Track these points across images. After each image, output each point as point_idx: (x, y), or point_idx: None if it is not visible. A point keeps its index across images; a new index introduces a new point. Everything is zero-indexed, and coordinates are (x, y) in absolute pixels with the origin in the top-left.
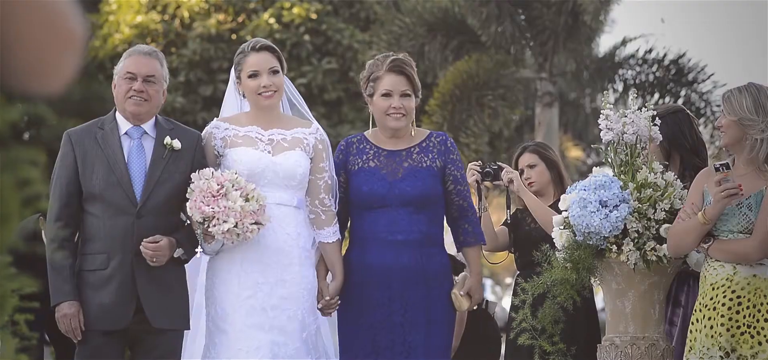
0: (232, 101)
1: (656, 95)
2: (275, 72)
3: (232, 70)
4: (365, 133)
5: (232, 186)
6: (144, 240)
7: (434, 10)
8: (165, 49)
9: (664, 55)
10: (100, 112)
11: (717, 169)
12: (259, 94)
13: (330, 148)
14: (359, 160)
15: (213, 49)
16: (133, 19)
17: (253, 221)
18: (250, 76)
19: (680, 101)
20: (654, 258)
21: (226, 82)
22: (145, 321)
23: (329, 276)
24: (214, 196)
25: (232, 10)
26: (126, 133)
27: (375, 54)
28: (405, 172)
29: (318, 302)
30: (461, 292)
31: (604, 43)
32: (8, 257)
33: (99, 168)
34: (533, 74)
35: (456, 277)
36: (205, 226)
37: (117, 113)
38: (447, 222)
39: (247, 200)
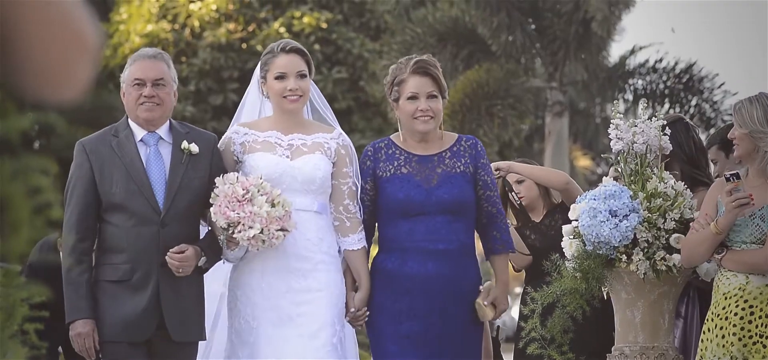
0: (253, 101)
1: (667, 105)
2: (303, 76)
3: (257, 69)
4: (392, 137)
5: (258, 191)
6: (170, 250)
7: (444, 19)
8: (175, 59)
9: (675, 64)
10: (110, 121)
11: (727, 179)
12: (285, 97)
13: (355, 154)
14: (390, 166)
15: (223, 58)
16: (144, 28)
17: (279, 227)
18: (276, 78)
19: (691, 110)
20: (664, 268)
21: (237, 91)
22: (165, 333)
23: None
24: (239, 201)
25: (243, 20)
26: (141, 140)
27: (386, 63)
28: (439, 179)
29: (346, 314)
30: (486, 302)
31: (614, 52)
32: (17, 266)
33: (118, 177)
34: (543, 83)
35: (481, 287)
36: (230, 232)
37: (129, 120)
38: (477, 229)
39: (273, 206)
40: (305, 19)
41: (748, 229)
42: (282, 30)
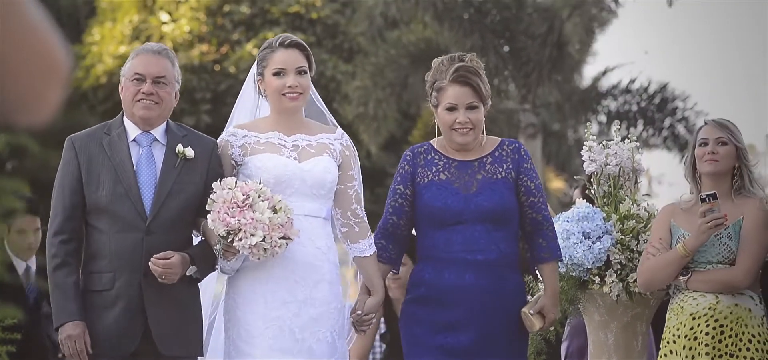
0: (249, 100)
1: (640, 126)
2: (303, 72)
3: (254, 66)
4: (431, 141)
5: (259, 196)
6: (154, 256)
7: (418, 41)
8: None
9: (648, 85)
10: None
11: (703, 200)
12: (284, 94)
13: (357, 155)
14: (428, 172)
15: (196, 79)
16: (117, 49)
17: (282, 235)
18: (275, 74)
19: (664, 131)
20: (637, 290)
21: (210, 113)
22: (153, 347)
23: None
24: (239, 207)
25: (216, 41)
26: (134, 140)
27: (358, 85)
28: (479, 185)
29: (351, 313)
30: (532, 311)
31: (586, 74)
32: None
33: (105, 178)
34: (516, 106)
35: (529, 296)
36: (230, 240)
37: (125, 118)
38: (522, 237)
39: (275, 212)
40: None
41: (716, 249)
42: (255, 51)
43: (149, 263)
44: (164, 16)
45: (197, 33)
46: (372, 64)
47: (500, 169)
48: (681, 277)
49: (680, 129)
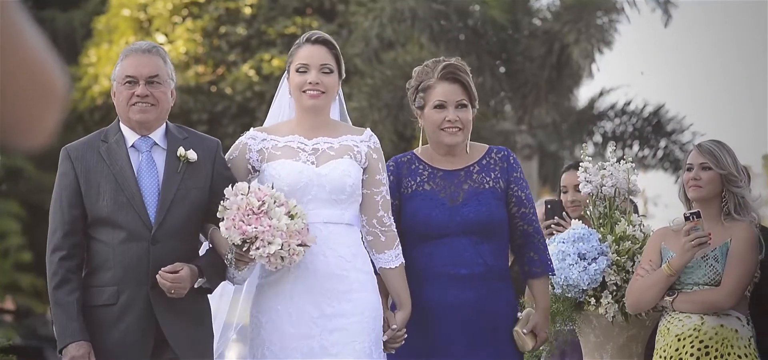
0: (281, 103)
1: (636, 147)
2: (328, 71)
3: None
4: (415, 151)
5: (275, 201)
6: (162, 269)
7: (414, 62)
8: None
9: (644, 107)
10: None
11: (687, 218)
12: (304, 91)
13: (384, 159)
14: (412, 183)
15: (192, 101)
16: (112, 71)
17: (299, 242)
18: (298, 70)
19: (659, 153)
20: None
21: (206, 134)
22: (171, 357)
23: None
24: (255, 214)
25: (212, 63)
26: (133, 146)
27: (355, 106)
28: (466, 196)
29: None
30: (525, 330)
31: (582, 95)
32: None
33: (106, 187)
34: (513, 127)
35: (519, 314)
36: (245, 248)
37: (121, 123)
38: (511, 251)
39: (291, 217)
40: (274, 62)
41: (702, 271)
42: (251, 73)
43: (157, 277)
44: (160, 38)
45: (193, 54)
46: (368, 85)
47: (488, 178)
48: (667, 298)
49: (676, 150)
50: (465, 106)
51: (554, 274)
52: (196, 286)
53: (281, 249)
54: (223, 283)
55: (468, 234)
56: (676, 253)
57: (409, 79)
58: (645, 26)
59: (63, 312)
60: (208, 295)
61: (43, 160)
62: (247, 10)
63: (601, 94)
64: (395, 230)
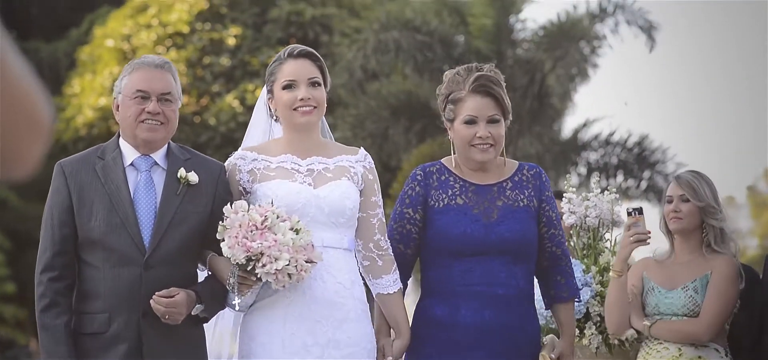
0: (260, 123)
1: (620, 177)
2: (316, 84)
3: (265, 85)
4: (443, 161)
5: (277, 217)
6: (156, 293)
7: (398, 93)
8: None
9: (628, 137)
10: None
11: (629, 214)
12: (295, 109)
13: (378, 180)
14: (444, 196)
15: (177, 131)
16: (96, 101)
17: (306, 259)
18: (284, 87)
19: (643, 183)
20: (616, 342)
21: None
22: None
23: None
24: (259, 230)
25: (196, 93)
26: (132, 164)
27: (338, 136)
28: (501, 213)
29: None
30: (552, 356)
31: (567, 126)
32: None
33: (99, 207)
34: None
35: (544, 339)
36: (251, 267)
37: (120, 139)
38: (536, 273)
39: (296, 233)
40: (258, 93)
41: (681, 301)
42: (235, 103)
43: (151, 301)
44: None
45: None
46: (352, 115)
47: (521, 196)
48: (645, 322)
49: (660, 181)
50: (497, 120)
51: (580, 300)
52: (193, 313)
53: (289, 265)
54: (217, 315)
55: (504, 253)
56: (660, 286)
57: (393, 109)
58: (629, 55)
59: (49, 337)
60: (204, 325)
61: (27, 190)
62: (231, 41)
63: (585, 124)
64: (392, 255)
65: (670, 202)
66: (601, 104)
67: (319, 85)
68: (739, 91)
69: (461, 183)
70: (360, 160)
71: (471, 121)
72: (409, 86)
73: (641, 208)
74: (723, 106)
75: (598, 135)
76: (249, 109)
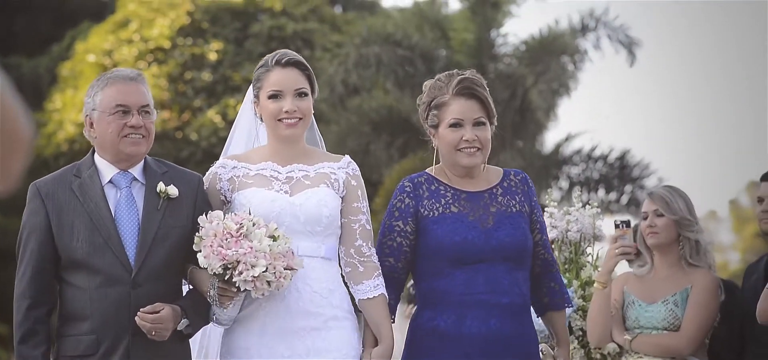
0: (245, 126)
1: (601, 192)
2: (303, 94)
3: (251, 87)
4: (428, 170)
5: (253, 224)
6: (141, 310)
7: (379, 108)
8: None
9: (609, 152)
10: None
11: (617, 226)
12: (280, 120)
13: (364, 186)
14: (437, 205)
15: (158, 146)
16: (78, 117)
17: (286, 265)
18: (270, 97)
19: (624, 198)
20: (598, 356)
21: None
22: None
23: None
24: (234, 237)
25: (177, 108)
26: (110, 181)
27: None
28: (496, 219)
29: None
30: None
31: (548, 140)
32: None
33: (80, 227)
34: None
35: (541, 349)
36: (228, 276)
37: (96, 156)
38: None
39: (274, 239)
40: (239, 108)
41: (662, 315)
42: (217, 118)
43: (136, 318)
44: None
45: (159, 100)
46: (333, 131)
47: (513, 202)
48: (626, 337)
49: (641, 195)
50: (483, 123)
51: (573, 308)
52: (179, 328)
53: (266, 272)
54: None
55: (504, 260)
56: (641, 300)
57: (374, 125)
58: (611, 70)
59: None
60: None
61: (7, 205)
62: (213, 56)
63: (566, 139)
64: (376, 261)
65: (645, 218)
66: (583, 119)
67: (306, 95)
68: (720, 108)
69: (452, 191)
70: (343, 167)
71: (456, 124)
72: (391, 101)
73: (629, 221)
74: (704, 121)
75: (579, 149)
76: (230, 124)
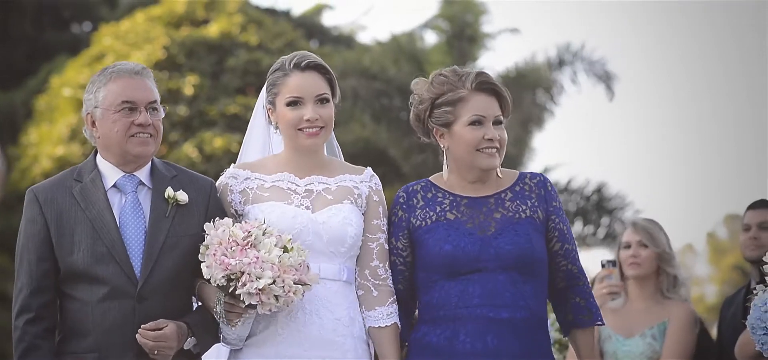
0: (258, 135)
1: (579, 224)
2: (324, 101)
3: (264, 90)
4: (430, 178)
5: (263, 233)
6: (142, 326)
7: (356, 141)
8: None
9: (586, 184)
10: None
11: (603, 266)
12: (300, 129)
13: (385, 202)
14: (432, 213)
15: None
16: (54, 151)
17: (297, 279)
18: (289, 104)
19: (601, 231)
20: None
21: None
22: None
23: None
24: (240, 246)
25: None
26: (115, 185)
27: None
28: (499, 226)
29: None
30: None
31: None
32: None
33: (81, 236)
34: None
35: None
36: (232, 288)
37: (98, 158)
38: (550, 295)
39: (285, 251)
40: (216, 142)
41: (640, 348)
42: (194, 153)
43: (137, 335)
44: None
45: None
46: None
47: (523, 207)
48: None
49: (618, 228)
50: (501, 122)
51: (603, 324)
52: (185, 347)
53: (273, 285)
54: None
55: (507, 269)
56: (617, 333)
57: (351, 158)
58: (588, 103)
59: None
60: None
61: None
62: (189, 90)
63: (544, 171)
64: (391, 285)
65: (628, 247)
66: (560, 151)
67: (328, 101)
68: (697, 142)
69: (451, 198)
70: (365, 180)
71: (477, 122)
72: (367, 134)
73: (615, 261)
74: (681, 154)
75: (556, 182)
76: (207, 158)
